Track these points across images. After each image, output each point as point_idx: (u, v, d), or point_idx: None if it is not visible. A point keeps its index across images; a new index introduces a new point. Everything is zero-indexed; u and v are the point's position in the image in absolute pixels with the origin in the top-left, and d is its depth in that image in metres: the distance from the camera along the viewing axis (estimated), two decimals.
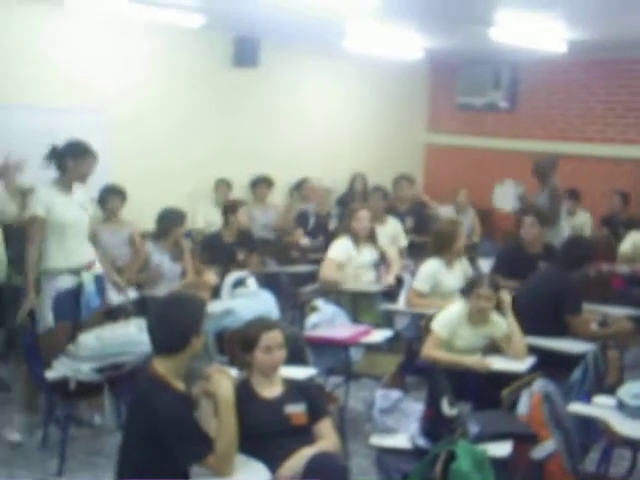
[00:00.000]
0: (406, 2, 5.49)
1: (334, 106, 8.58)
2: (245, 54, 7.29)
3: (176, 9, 5.88)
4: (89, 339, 3.95)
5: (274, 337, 3.07)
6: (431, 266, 5.10)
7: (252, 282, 4.98)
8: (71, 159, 4.18)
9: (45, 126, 5.93)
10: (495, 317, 4.29)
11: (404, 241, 6.59)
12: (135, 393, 2.87)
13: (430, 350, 4.13)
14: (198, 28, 6.52)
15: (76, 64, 6.26)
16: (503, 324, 4.28)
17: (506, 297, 4.35)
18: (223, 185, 7.18)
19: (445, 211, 8.27)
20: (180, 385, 2.80)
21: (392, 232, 6.51)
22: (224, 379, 2.80)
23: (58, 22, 6.06)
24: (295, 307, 5.86)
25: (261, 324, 3.18)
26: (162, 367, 2.77)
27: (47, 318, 4.14)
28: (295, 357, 3.60)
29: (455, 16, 6.20)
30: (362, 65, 8.44)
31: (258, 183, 7.39)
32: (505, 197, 8.03)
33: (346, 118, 8.71)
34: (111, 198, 5.66)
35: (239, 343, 3.13)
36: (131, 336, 3.95)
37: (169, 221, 5.34)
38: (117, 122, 6.49)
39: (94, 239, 4.69)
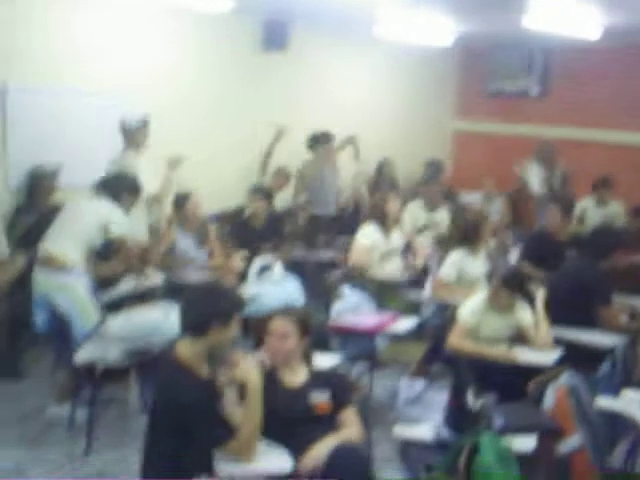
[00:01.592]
0: None
1: (362, 91, 8.51)
2: (274, 37, 7.25)
3: None
4: (118, 321, 4.00)
5: (275, 325, 3.07)
6: (456, 256, 5.08)
7: (278, 268, 4.98)
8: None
9: (77, 110, 5.99)
10: (521, 305, 4.25)
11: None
12: (160, 378, 2.89)
13: (456, 340, 4.11)
14: (227, 12, 6.49)
15: (107, 50, 6.24)
16: (529, 313, 4.24)
17: (540, 292, 4.32)
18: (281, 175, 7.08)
19: (473, 198, 8.21)
20: (204, 370, 2.82)
21: (438, 219, 6.59)
22: (252, 366, 2.82)
23: (87, 9, 6.04)
24: (321, 294, 5.87)
25: (274, 312, 3.19)
26: (187, 350, 2.81)
27: None
28: (320, 345, 3.61)
29: (487, 1, 6.10)
30: (391, 50, 8.34)
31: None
32: (534, 178, 7.91)
33: (374, 104, 8.64)
34: None
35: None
36: (158, 321, 3.98)
37: (179, 203, 5.37)
38: (149, 108, 6.45)
39: None
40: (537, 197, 7.49)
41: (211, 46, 7.03)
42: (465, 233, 5.13)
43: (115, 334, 3.92)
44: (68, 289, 4.21)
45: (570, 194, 6.80)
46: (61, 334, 4.25)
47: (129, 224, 4.55)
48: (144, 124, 5.66)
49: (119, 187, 4.60)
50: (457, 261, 5.07)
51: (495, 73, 8.83)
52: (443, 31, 7.61)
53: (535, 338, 4.16)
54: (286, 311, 3.21)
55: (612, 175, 7.49)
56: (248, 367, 2.80)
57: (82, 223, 4.36)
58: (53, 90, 5.85)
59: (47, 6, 5.81)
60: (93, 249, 4.41)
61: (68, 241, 4.29)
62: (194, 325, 2.82)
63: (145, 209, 5.50)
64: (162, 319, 3.96)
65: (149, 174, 5.39)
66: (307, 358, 3.15)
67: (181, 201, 5.40)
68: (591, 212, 7.50)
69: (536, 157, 6.94)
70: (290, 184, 7.12)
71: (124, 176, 4.83)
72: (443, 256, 5.35)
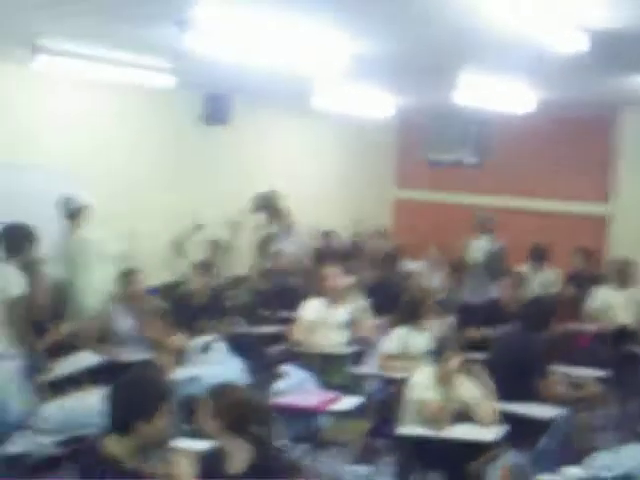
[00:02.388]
0: (373, 66, 5.57)
1: (304, 163, 8.65)
2: (216, 112, 7.34)
3: (146, 70, 5.90)
4: (52, 409, 3.85)
5: None
6: (400, 330, 5.11)
7: (221, 346, 4.90)
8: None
9: (16, 185, 5.95)
10: (465, 381, 4.27)
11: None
12: (82, 472, 2.77)
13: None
14: (169, 88, 6.55)
15: (46, 124, 6.27)
16: (473, 388, 4.26)
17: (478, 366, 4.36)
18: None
19: (416, 266, 8.31)
20: (133, 464, 2.71)
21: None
22: (186, 464, 2.73)
23: (27, 83, 6.05)
24: (263, 368, 5.80)
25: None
26: (115, 446, 2.69)
27: None
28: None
29: (422, 78, 6.32)
30: (331, 122, 8.54)
31: None
32: (478, 252, 8.08)
33: (316, 174, 8.77)
34: None
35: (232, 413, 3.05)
36: (94, 406, 3.84)
37: (121, 279, 5.30)
38: (88, 181, 6.46)
39: None
40: (472, 266, 7.63)
41: (154, 120, 7.08)
42: (410, 309, 5.16)
43: (49, 423, 3.76)
44: None
45: (506, 267, 7.01)
46: None
47: None
48: (85, 207, 5.70)
49: (18, 237, 4.49)
50: (401, 335, 5.08)
51: (433, 144, 9.10)
52: (381, 104, 7.84)
53: (478, 414, 4.16)
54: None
55: (546, 243, 7.73)
56: (182, 464, 2.72)
57: None
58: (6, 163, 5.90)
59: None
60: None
61: None
62: (118, 424, 2.70)
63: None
64: (98, 404, 3.82)
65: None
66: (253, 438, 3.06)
67: (124, 277, 5.31)
68: (530, 278, 7.68)
69: (478, 228, 7.13)
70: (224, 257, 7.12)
71: (20, 225, 4.63)
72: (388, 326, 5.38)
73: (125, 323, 5.15)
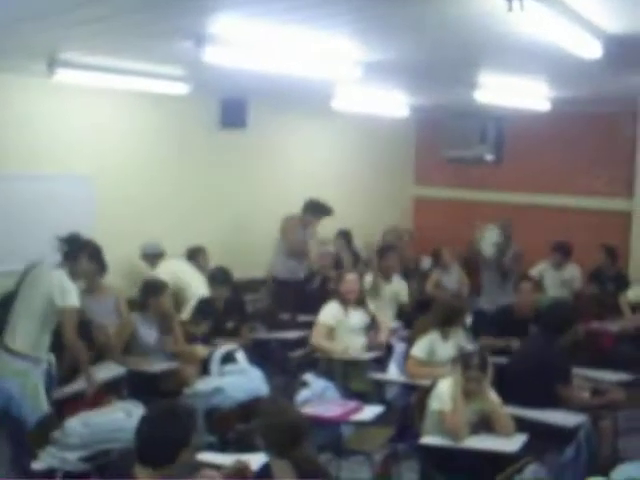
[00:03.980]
0: (390, 71, 5.55)
1: (323, 164, 8.63)
2: (232, 116, 7.34)
3: (161, 79, 5.94)
4: (76, 426, 3.90)
5: None
6: (431, 336, 5.11)
7: (241, 356, 4.94)
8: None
9: (38, 194, 6.13)
10: (487, 392, 4.26)
11: (406, 298, 6.65)
12: None
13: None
14: (185, 94, 6.57)
15: (66, 134, 6.34)
16: (493, 398, 4.25)
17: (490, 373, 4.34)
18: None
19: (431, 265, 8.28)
20: None
21: (396, 289, 6.57)
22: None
23: (46, 94, 6.11)
24: (285, 372, 5.84)
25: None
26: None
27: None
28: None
29: (440, 79, 6.28)
30: (350, 122, 8.51)
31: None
32: (488, 243, 8.04)
33: (335, 175, 8.76)
34: None
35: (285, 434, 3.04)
36: (119, 422, 3.90)
37: (146, 292, 5.22)
38: (107, 188, 6.56)
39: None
40: (486, 262, 7.60)
41: (168, 126, 7.11)
42: (444, 316, 5.14)
43: (74, 438, 3.82)
44: (22, 375, 4.20)
45: (520, 272, 7.01)
46: (13, 434, 4.18)
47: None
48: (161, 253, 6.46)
49: (76, 247, 4.53)
50: (430, 341, 5.08)
51: (451, 141, 9.03)
52: (398, 105, 7.83)
53: (499, 424, 4.16)
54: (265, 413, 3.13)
55: (567, 239, 7.67)
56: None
57: (35, 299, 4.31)
58: (29, 175, 6.07)
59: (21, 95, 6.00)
60: (51, 326, 4.34)
61: (27, 324, 4.27)
62: (162, 458, 2.69)
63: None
64: (124, 420, 3.89)
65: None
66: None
67: (155, 290, 5.23)
68: (549, 275, 7.64)
69: (497, 229, 7.16)
70: None
71: (81, 238, 4.68)
72: (407, 332, 5.37)
73: (149, 333, 5.17)
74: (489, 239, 7.68)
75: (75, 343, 4.33)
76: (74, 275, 4.42)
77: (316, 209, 7.17)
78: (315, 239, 7.33)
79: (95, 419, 3.95)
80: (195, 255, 6.69)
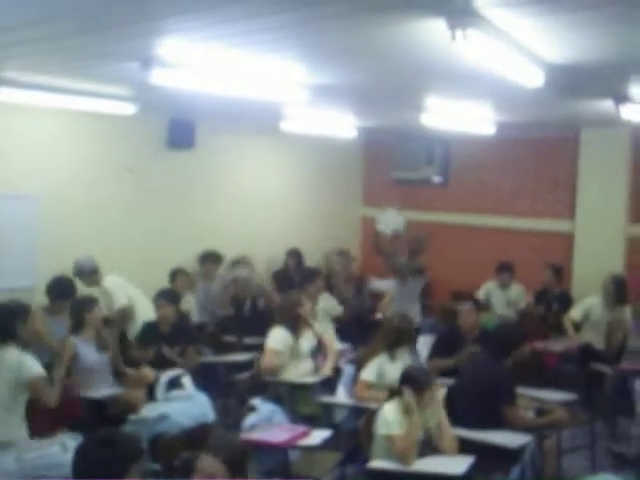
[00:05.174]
0: (337, 92, 5.59)
1: (271, 184, 8.65)
2: (180, 137, 7.29)
3: (108, 99, 5.87)
4: (8, 461, 3.72)
5: (203, 465, 2.92)
6: (380, 359, 5.09)
7: (187, 381, 4.85)
8: None
9: None
10: (439, 402, 4.27)
11: (338, 309, 6.72)
12: None
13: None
14: (132, 114, 6.51)
15: (10, 152, 6.26)
16: (437, 413, 4.26)
17: (439, 392, 4.36)
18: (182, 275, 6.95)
19: (384, 285, 8.33)
20: None
21: (325, 307, 6.60)
22: None
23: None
24: (232, 396, 5.78)
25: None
26: None
27: None
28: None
29: (387, 103, 6.37)
30: (299, 143, 8.55)
31: (206, 259, 7.26)
32: (387, 223, 8.09)
33: (284, 195, 8.78)
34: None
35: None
36: (54, 457, 3.74)
37: (79, 308, 5.04)
38: (52, 208, 6.44)
39: None
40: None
41: (118, 146, 7.03)
42: (392, 338, 5.15)
43: (8, 473, 3.66)
44: None
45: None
46: None
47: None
48: (95, 269, 6.10)
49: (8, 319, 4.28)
50: (380, 364, 5.08)
51: (399, 163, 9.14)
52: (346, 126, 7.90)
53: (441, 442, 4.17)
54: (216, 448, 3.01)
55: (511, 259, 7.82)
56: None
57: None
58: None
59: None
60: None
61: None
62: None
63: None
64: (59, 454, 3.74)
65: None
66: None
67: (90, 304, 5.10)
68: (495, 295, 7.77)
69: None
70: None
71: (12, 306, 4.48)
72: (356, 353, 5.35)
73: (89, 352, 4.96)
74: (390, 220, 7.78)
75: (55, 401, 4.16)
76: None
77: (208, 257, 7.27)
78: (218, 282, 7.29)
79: (28, 455, 3.77)
80: (174, 277, 6.71)
